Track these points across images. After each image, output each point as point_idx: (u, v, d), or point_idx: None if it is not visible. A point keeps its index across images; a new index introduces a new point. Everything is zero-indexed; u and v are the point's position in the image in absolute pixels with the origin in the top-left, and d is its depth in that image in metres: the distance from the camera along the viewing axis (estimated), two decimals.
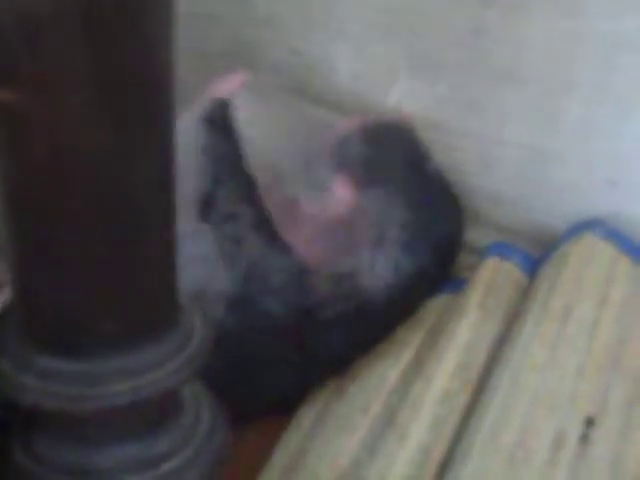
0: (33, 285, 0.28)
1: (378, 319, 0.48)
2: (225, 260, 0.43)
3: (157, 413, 0.30)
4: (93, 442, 0.29)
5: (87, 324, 0.28)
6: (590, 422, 0.39)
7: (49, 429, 0.30)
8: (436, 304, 0.51)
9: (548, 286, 0.47)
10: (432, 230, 0.50)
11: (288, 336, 0.45)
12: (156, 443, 0.30)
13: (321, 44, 0.54)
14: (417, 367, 0.45)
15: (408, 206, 0.48)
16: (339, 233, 0.46)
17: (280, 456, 0.44)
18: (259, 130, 0.46)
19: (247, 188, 0.45)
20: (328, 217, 0.46)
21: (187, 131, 0.43)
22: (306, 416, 0.46)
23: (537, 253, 0.51)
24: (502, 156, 0.52)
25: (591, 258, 0.48)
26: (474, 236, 0.54)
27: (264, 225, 0.44)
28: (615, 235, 0.49)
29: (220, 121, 0.46)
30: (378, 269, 0.46)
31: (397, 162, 0.50)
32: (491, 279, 0.49)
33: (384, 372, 0.47)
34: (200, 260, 0.41)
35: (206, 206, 0.44)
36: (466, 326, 0.46)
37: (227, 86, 0.47)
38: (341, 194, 0.47)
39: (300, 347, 0.45)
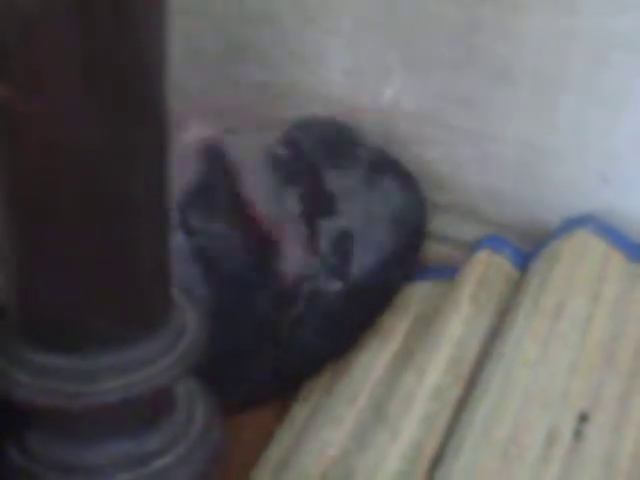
0: (27, 282, 0.28)
1: (344, 315, 0.48)
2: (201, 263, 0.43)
3: (149, 410, 0.30)
4: (85, 439, 0.30)
5: (80, 321, 0.28)
6: (584, 417, 0.39)
7: (42, 426, 0.30)
8: (421, 290, 0.51)
9: (540, 282, 0.47)
10: (385, 219, 0.50)
11: (262, 327, 0.45)
12: (148, 440, 0.30)
13: (314, 41, 0.54)
14: (407, 358, 0.45)
15: (349, 197, 0.48)
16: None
17: (272, 452, 0.44)
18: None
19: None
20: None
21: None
22: (299, 411, 0.46)
23: (529, 248, 0.51)
24: (496, 152, 0.52)
25: (584, 254, 0.48)
26: (466, 230, 0.54)
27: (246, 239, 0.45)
28: (608, 231, 0.49)
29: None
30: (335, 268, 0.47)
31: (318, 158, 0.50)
32: (483, 272, 0.49)
33: (370, 361, 0.46)
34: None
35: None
36: (458, 320, 0.46)
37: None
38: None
39: (275, 340, 0.45)
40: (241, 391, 0.46)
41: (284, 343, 0.46)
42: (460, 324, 0.46)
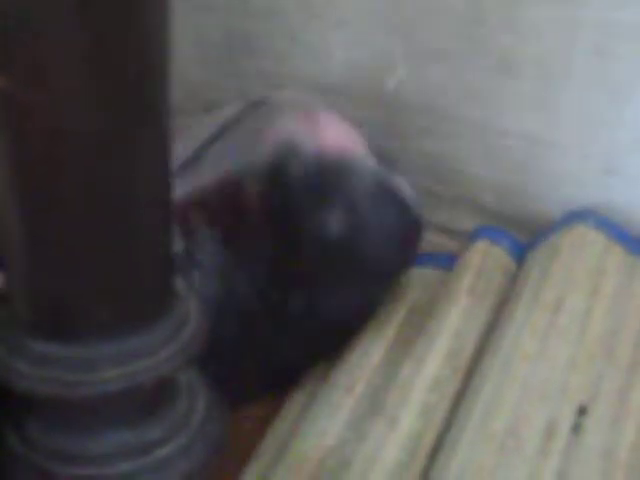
0: (27, 270, 0.28)
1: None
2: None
3: (151, 399, 0.30)
4: (86, 428, 0.29)
5: (82, 310, 0.28)
6: (583, 411, 0.39)
7: (42, 414, 0.30)
8: (418, 277, 0.50)
9: (539, 276, 0.47)
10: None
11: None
12: (149, 430, 0.30)
13: (319, 32, 0.54)
14: (404, 348, 0.45)
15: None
16: None
17: (269, 442, 0.44)
18: None
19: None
20: None
21: None
22: (296, 401, 0.46)
23: (526, 240, 0.51)
24: (499, 144, 0.52)
25: (583, 248, 0.48)
26: (468, 222, 0.54)
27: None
28: (607, 224, 0.49)
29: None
30: None
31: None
32: (481, 262, 0.49)
33: (367, 349, 0.46)
34: None
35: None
36: (456, 311, 0.46)
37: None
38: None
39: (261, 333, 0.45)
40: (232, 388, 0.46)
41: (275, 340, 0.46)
42: (458, 316, 0.46)
